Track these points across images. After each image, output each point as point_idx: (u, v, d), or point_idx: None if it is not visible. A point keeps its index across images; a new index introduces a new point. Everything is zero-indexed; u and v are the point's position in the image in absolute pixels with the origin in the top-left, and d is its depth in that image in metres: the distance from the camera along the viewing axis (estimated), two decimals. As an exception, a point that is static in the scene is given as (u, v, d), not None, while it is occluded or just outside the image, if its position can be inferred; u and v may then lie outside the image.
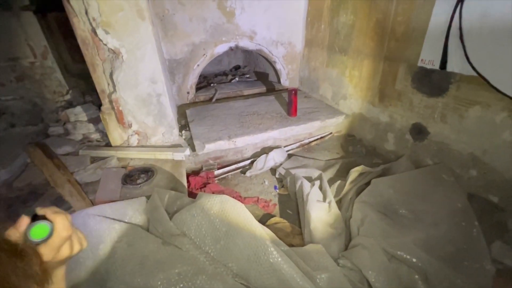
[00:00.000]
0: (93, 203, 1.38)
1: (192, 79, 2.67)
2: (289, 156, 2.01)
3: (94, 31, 1.52)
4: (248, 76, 3.67)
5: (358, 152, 2.06)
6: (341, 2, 2.11)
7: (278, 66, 2.88)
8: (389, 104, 1.88)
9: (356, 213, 1.23)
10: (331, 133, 2.26)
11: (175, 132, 1.97)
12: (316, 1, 2.42)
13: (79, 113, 2.24)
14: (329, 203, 1.28)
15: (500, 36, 1.21)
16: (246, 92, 2.95)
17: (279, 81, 3.04)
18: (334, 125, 2.24)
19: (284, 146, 2.09)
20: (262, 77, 3.45)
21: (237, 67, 4.15)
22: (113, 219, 0.91)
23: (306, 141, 2.18)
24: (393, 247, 1.03)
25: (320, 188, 1.45)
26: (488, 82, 1.29)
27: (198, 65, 2.61)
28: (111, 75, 1.66)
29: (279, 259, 0.80)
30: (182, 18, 2.33)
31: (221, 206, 0.93)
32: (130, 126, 1.84)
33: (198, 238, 0.88)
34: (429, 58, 1.53)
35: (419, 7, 1.53)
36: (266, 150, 2.02)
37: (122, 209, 1.00)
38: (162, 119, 1.88)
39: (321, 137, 2.22)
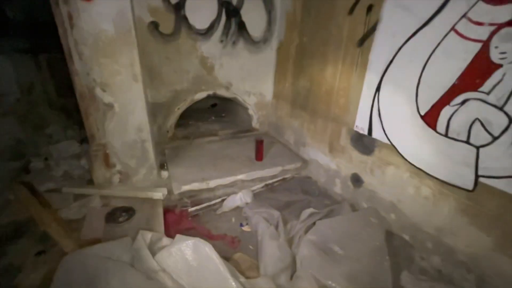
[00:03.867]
0: (79, 241, 1.56)
1: (172, 120, 2.97)
2: (255, 196, 2.34)
3: (92, 89, 1.80)
4: (223, 115, 4.05)
5: (312, 192, 2.45)
6: (301, 71, 2.63)
7: (250, 112, 3.30)
8: (336, 155, 2.34)
9: (302, 249, 1.56)
10: (291, 175, 2.65)
11: (154, 173, 2.22)
12: (282, 66, 2.94)
13: (62, 149, 2.39)
14: (281, 241, 1.61)
15: (403, 119, 1.71)
16: (220, 133, 3.29)
17: (251, 124, 3.45)
18: (294, 169, 2.64)
19: (251, 186, 2.42)
20: (236, 116, 3.85)
21: (214, 105, 4.54)
22: (107, 257, 1.13)
23: (270, 181, 2.54)
24: (324, 278, 1.37)
25: (277, 227, 1.78)
26: (397, 150, 1.77)
27: (178, 108, 2.94)
28: (102, 123, 1.91)
29: (236, 289, 1.09)
30: (167, 69, 2.68)
31: (193, 246, 1.20)
32: (114, 166, 2.06)
33: (174, 273, 1.13)
34: (361, 125, 2.02)
35: (353, 87, 2.04)
36: (235, 190, 2.33)
37: (112, 249, 1.22)
38: (144, 162, 2.13)
39: (283, 178, 2.60)
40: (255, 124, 3.41)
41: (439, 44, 1.44)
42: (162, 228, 1.72)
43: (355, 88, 2.02)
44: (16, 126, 2.41)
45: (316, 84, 2.44)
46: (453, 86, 1.41)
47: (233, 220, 2.07)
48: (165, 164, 2.39)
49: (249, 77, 3.07)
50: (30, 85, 2.69)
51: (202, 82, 2.91)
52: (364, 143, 2.03)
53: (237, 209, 2.20)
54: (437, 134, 1.52)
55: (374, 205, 2.03)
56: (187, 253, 1.18)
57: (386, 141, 1.84)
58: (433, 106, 1.52)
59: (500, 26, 1.21)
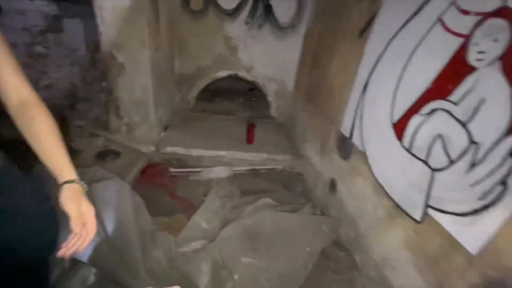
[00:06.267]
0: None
1: (194, 92, 3.24)
2: (235, 175, 2.40)
3: (111, 48, 2.16)
4: (254, 99, 4.13)
5: (293, 189, 2.35)
6: (317, 61, 2.46)
7: (269, 98, 3.29)
8: (324, 156, 2.16)
9: (227, 228, 1.57)
10: (283, 167, 2.58)
11: (155, 131, 2.52)
12: (305, 55, 2.80)
13: (102, 98, 2.96)
14: (212, 215, 1.66)
15: (377, 126, 1.47)
16: (238, 114, 3.41)
17: (269, 111, 3.44)
18: (287, 160, 2.56)
19: (237, 166, 2.49)
20: (263, 102, 3.88)
21: (252, 89, 4.65)
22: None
23: (258, 167, 2.54)
24: (229, 260, 1.37)
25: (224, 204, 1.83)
26: (367, 159, 1.54)
27: (201, 82, 3.17)
28: (116, 79, 2.28)
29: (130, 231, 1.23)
30: (194, 45, 2.92)
31: (120, 189, 1.40)
32: (122, 118, 2.44)
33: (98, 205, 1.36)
34: (346, 126, 1.81)
35: (348, 83, 1.82)
36: (219, 165, 2.44)
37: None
38: (146, 119, 2.44)
39: (272, 168, 2.56)
40: (273, 112, 3.38)
41: (424, 37, 1.17)
42: (131, 174, 1.99)
43: (349, 85, 1.81)
44: (78, 75, 3.10)
45: (324, 76, 2.26)
46: (427, 91, 1.14)
47: (201, 189, 2.20)
48: (167, 127, 2.67)
49: (272, 63, 3.04)
50: (96, 45, 3.34)
51: (225, 61, 3.05)
52: (345, 146, 1.82)
53: (212, 181, 2.31)
54: (402, 148, 1.27)
55: (341, 216, 1.83)
56: (111, 192, 1.39)
57: (361, 147, 1.62)
58: (404, 114, 1.26)
59: (486, 16, 0.91)
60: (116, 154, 2.18)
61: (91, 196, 1.38)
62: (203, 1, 2.67)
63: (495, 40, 0.87)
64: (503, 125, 0.83)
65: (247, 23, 2.80)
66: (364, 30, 1.64)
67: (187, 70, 3.08)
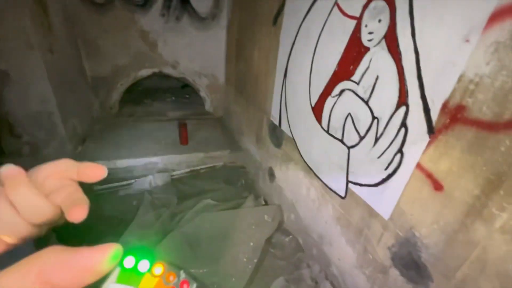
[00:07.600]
0: None
1: (116, 96, 2.89)
2: (174, 180, 2.24)
3: (-15, 54, 1.72)
4: (188, 96, 3.92)
5: (236, 183, 2.31)
6: (241, 51, 2.42)
7: (202, 94, 3.15)
8: (260, 146, 2.16)
9: (167, 240, 1.45)
10: (224, 163, 2.52)
11: (68, 146, 2.16)
12: (230, 44, 2.73)
13: (-10, 116, 2.39)
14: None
15: (299, 110, 1.51)
16: (170, 114, 3.18)
17: (204, 107, 3.31)
18: (226, 156, 2.50)
19: (176, 170, 2.33)
20: (197, 99, 3.71)
21: (185, 86, 4.40)
22: None
23: (197, 168, 2.42)
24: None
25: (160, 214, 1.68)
26: (296, 145, 1.58)
27: (121, 84, 2.84)
28: (1, 91, 1.85)
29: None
30: (105, 43, 2.57)
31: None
32: (20, 137, 2.02)
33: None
34: (275, 114, 1.83)
35: (270, 72, 1.83)
36: (152, 172, 2.24)
37: None
38: (53, 134, 2.07)
39: (212, 166, 2.47)
40: (208, 107, 3.26)
41: (326, 22, 1.21)
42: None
43: (271, 73, 1.81)
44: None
45: (249, 67, 2.24)
46: (334, 73, 1.19)
47: (134, 203, 1.99)
48: (85, 139, 2.33)
49: (198, 56, 2.89)
50: None
51: (146, 59, 2.77)
52: (277, 134, 1.84)
53: (145, 192, 2.11)
54: (322, 130, 1.32)
55: (281, 202, 1.86)
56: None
57: (290, 134, 1.65)
58: (319, 97, 1.31)
59: (370, -1, 0.97)
60: (17, 181, 1.79)
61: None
62: (105, -9, 2.34)
63: (380, 21, 0.93)
64: (394, 98, 0.91)
65: (163, 15, 2.57)
66: (277, 17, 1.65)
67: (102, 71, 2.71)
